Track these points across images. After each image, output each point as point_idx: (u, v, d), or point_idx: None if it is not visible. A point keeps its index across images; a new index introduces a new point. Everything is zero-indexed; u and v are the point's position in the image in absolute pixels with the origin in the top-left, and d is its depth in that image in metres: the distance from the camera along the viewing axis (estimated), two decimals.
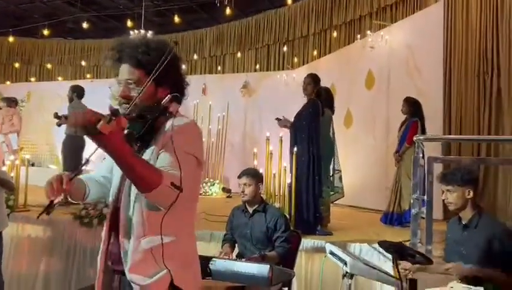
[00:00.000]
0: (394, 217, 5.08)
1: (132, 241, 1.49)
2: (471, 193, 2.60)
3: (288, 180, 4.22)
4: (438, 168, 3.39)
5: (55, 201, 1.35)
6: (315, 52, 9.20)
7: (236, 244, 3.34)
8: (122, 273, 1.50)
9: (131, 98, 1.51)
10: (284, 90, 8.73)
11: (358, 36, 7.80)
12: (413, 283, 2.00)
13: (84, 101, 5.87)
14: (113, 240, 1.55)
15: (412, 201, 3.38)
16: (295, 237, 3.22)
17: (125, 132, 1.34)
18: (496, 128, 5.66)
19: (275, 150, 4.81)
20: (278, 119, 4.64)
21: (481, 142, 5.74)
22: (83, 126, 1.24)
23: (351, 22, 8.65)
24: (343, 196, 4.93)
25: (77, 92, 5.91)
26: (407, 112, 5.23)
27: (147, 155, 1.51)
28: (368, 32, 7.34)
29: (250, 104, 9.35)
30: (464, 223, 2.64)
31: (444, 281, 2.70)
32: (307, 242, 3.67)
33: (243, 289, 2.79)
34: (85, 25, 10.07)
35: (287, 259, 3.03)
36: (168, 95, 1.53)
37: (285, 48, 9.97)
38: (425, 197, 3.20)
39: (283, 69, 10.01)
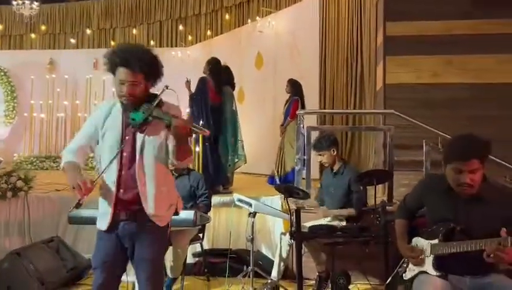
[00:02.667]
0: (280, 179, 6.08)
1: (153, 190, 2.15)
2: (335, 151, 3.65)
3: (197, 149, 4.90)
4: (315, 134, 4.38)
5: (82, 200, 1.98)
6: (209, 32, 9.76)
7: None
8: (132, 210, 2.16)
9: (136, 94, 2.11)
10: (180, 67, 9.16)
11: (249, 20, 8.58)
12: (297, 213, 2.86)
13: None
14: (123, 190, 2.15)
15: (296, 160, 4.36)
16: (210, 194, 3.94)
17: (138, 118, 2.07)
18: (360, 103, 7.00)
19: None
20: (187, 81, 5.22)
21: (349, 114, 7.06)
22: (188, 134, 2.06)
23: (241, 5, 9.34)
24: (246, 162, 5.70)
25: None
26: (290, 91, 6.14)
27: (155, 134, 2.13)
28: (257, 17, 8.15)
29: None
30: (334, 171, 3.68)
31: (319, 215, 3.72)
32: (214, 199, 4.41)
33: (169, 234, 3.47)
34: None
35: (208, 211, 3.75)
36: (164, 88, 2.18)
37: (180, 27, 10.29)
38: (305, 156, 4.20)
39: (176, 46, 10.37)
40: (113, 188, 2.15)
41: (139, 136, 2.16)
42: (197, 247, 4.17)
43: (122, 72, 2.10)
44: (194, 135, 5.04)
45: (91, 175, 2.17)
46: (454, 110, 4.69)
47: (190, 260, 4.25)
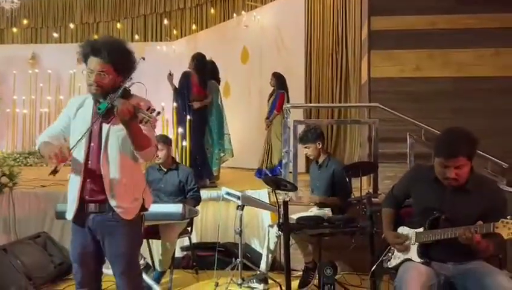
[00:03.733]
0: (267, 172, 6.13)
1: (117, 181, 2.17)
2: (321, 144, 3.70)
3: (184, 143, 4.90)
4: (301, 128, 4.42)
5: (59, 167, 1.98)
6: (194, 26, 9.71)
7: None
8: (98, 201, 2.18)
9: (103, 84, 2.13)
10: (165, 62, 9.11)
11: (234, 14, 8.57)
12: (285, 205, 2.90)
13: None
14: (88, 181, 2.18)
15: (282, 154, 4.40)
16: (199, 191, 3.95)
17: (103, 107, 2.05)
18: (345, 96, 7.07)
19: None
20: (170, 74, 5.18)
21: (334, 108, 7.13)
22: (133, 118, 1.96)
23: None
24: (233, 156, 5.72)
25: None
26: (274, 84, 6.19)
27: (119, 123, 2.10)
28: (243, 12, 8.15)
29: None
30: (319, 164, 3.72)
31: (306, 208, 3.78)
32: (202, 193, 4.42)
33: (157, 227, 3.49)
34: None
35: (198, 204, 3.77)
36: (132, 81, 2.16)
37: (165, 21, 10.22)
38: (292, 150, 4.24)
39: (161, 40, 10.30)
40: (80, 179, 2.18)
41: (105, 127, 2.19)
42: (185, 241, 4.19)
43: (91, 60, 2.15)
44: (179, 130, 5.07)
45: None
46: (437, 103, 4.78)
47: (179, 253, 4.27)
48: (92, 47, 2.15)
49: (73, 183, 2.22)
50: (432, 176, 2.30)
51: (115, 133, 2.17)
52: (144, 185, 2.37)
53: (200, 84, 5.15)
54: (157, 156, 3.73)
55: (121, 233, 2.20)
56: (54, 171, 1.99)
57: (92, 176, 2.18)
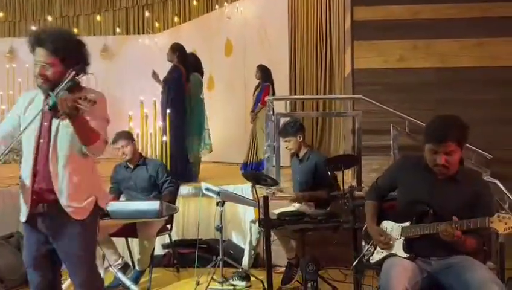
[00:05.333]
0: (253, 166, 6.02)
1: (66, 179, 2.05)
2: (301, 137, 3.61)
3: (164, 138, 4.76)
4: (284, 120, 4.33)
5: None
6: (176, 19, 9.54)
7: (121, 195, 3.82)
8: (49, 201, 2.05)
9: (47, 76, 2.01)
10: (147, 55, 8.95)
11: (217, 6, 8.42)
12: (265, 199, 2.81)
13: None
14: (38, 180, 2.05)
15: (265, 148, 4.31)
16: (175, 183, 3.84)
17: (50, 103, 1.91)
18: (330, 88, 7.00)
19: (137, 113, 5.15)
20: (154, 73, 5.04)
21: (318, 100, 7.05)
22: (72, 110, 1.81)
23: None
24: (211, 151, 5.58)
25: None
26: (259, 77, 6.08)
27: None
28: (225, 3, 8.00)
29: (111, 68, 9.26)
30: (300, 158, 3.63)
31: (288, 203, 3.69)
32: (183, 189, 4.32)
33: (135, 226, 3.38)
34: None
35: (175, 197, 3.65)
36: (70, 72, 1.99)
37: (146, 13, 10.02)
38: (275, 143, 4.15)
39: (143, 33, 10.11)
40: (29, 178, 2.06)
41: (55, 122, 2.07)
42: (166, 238, 4.09)
43: (37, 52, 2.04)
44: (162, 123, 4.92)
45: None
46: (421, 94, 4.73)
47: (159, 251, 4.17)
48: (37, 37, 2.03)
49: (23, 184, 2.10)
50: (421, 165, 2.24)
51: (64, 128, 2.05)
52: (98, 183, 2.26)
53: (185, 78, 5.00)
54: (124, 154, 3.62)
55: (71, 234, 2.07)
56: None
57: (41, 174, 2.06)
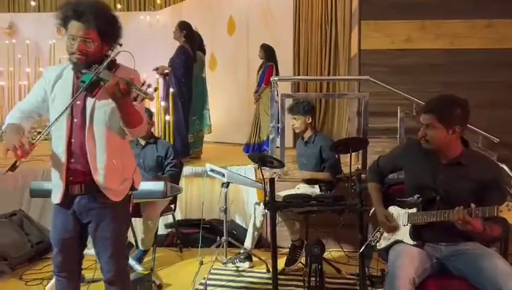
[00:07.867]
0: (255, 147, 5.98)
1: (104, 160, 1.99)
2: (310, 119, 3.56)
3: (167, 118, 4.71)
4: (289, 102, 4.27)
5: (18, 162, 1.77)
6: None
7: None
8: (85, 183, 2.00)
9: (88, 52, 1.89)
10: (149, 32, 8.81)
11: None
12: (272, 181, 2.78)
13: None
14: (74, 160, 1.98)
15: (269, 129, 4.25)
16: (179, 163, 3.81)
17: (87, 79, 1.83)
18: (334, 69, 6.89)
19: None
20: (155, 69, 4.94)
21: (323, 80, 6.95)
22: (124, 95, 1.77)
23: None
24: (210, 132, 5.54)
25: None
26: (263, 56, 5.96)
27: (105, 97, 1.90)
28: None
29: None
30: (305, 140, 3.58)
31: (293, 185, 3.66)
32: (186, 169, 4.29)
33: (139, 206, 3.35)
34: None
35: (175, 181, 3.63)
36: (117, 50, 1.93)
37: None
38: (279, 124, 4.09)
39: (145, 10, 9.94)
40: (63, 159, 1.98)
41: (90, 101, 1.97)
42: (169, 218, 4.08)
43: (74, 26, 1.89)
44: (164, 103, 4.87)
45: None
46: (428, 75, 4.65)
47: (163, 231, 4.17)
48: (74, 9, 1.88)
49: (57, 165, 2.02)
50: (424, 149, 2.21)
51: (101, 108, 1.96)
52: (133, 164, 2.19)
53: (192, 56, 4.91)
54: None
55: (109, 217, 2.03)
56: (13, 167, 1.77)
57: (76, 155, 1.98)
